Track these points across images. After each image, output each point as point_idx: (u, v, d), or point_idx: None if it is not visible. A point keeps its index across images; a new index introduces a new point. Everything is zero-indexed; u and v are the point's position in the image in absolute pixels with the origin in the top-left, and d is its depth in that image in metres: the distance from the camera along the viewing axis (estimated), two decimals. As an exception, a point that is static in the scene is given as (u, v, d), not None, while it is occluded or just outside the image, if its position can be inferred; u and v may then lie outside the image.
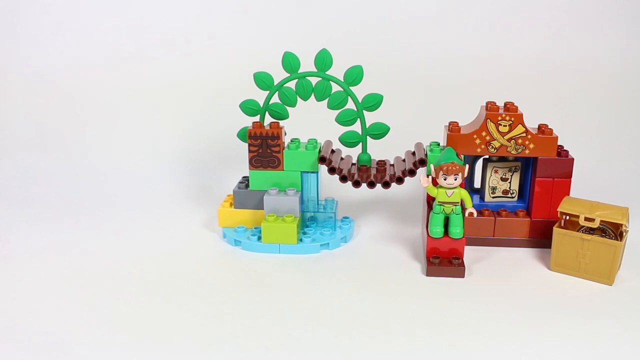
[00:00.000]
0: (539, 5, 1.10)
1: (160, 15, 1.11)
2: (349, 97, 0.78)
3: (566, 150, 0.76)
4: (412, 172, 0.76)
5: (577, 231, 0.70)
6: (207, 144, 1.09)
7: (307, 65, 0.77)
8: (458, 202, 0.70)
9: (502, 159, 0.79)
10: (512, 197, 0.81)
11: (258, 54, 1.03)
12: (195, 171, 1.06)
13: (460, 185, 0.70)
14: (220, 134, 1.06)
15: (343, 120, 0.79)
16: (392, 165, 0.81)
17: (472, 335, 0.58)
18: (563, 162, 0.75)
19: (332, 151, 0.82)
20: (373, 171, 0.79)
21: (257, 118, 0.80)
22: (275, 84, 0.78)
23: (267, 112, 0.79)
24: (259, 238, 0.78)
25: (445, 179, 0.69)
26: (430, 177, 0.71)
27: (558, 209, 0.70)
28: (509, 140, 0.74)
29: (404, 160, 0.81)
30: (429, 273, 0.70)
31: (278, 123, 0.79)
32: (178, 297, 0.65)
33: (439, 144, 0.79)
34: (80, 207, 0.93)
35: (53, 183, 1.02)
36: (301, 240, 0.77)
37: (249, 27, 1.11)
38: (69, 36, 1.11)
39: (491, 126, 0.74)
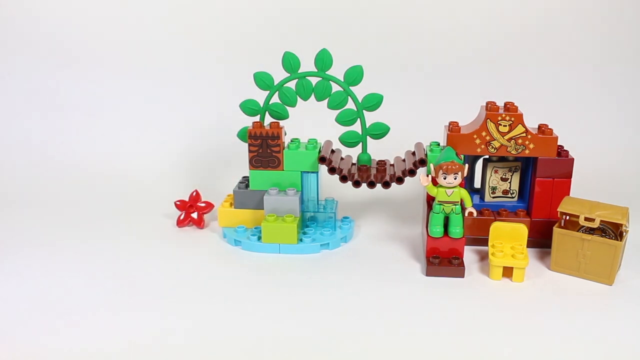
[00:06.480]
0: (539, 5, 1.10)
1: (160, 15, 1.11)
2: (349, 97, 0.78)
3: (566, 150, 0.76)
4: (412, 172, 0.76)
5: (577, 231, 0.70)
6: (207, 144, 1.09)
7: (307, 65, 0.77)
8: (458, 202, 0.70)
9: (502, 159, 0.79)
10: (512, 197, 0.81)
11: (258, 53, 1.03)
12: (195, 171, 1.06)
13: (460, 185, 0.70)
14: (220, 134, 1.06)
15: (343, 120, 0.79)
16: (392, 165, 0.81)
17: (472, 335, 0.58)
18: (563, 162, 0.75)
19: (332, 151, 0.82)
20: (373, 171, 0.79)
21: (257, 118, 0.80)
22: (275, 84, 0.78)
23: (267, 112, 0.80)
24: (259, 238, 0.78)
25: (444, 178, 0.69)
26: (430, 176, 0.71)
27: (558, 209, 0.70)
28: (509, 140, 0.74)
29: (404, 160, 0.81)
30: (428, 273, 0.70)
31: (278, 123, 0.79)
32: (178, 297, 0.65)
33: (439, 144, 0.79)
34: (80, 207, 0.93)
35: (54, 183, 1.02)
36: (301, 240, 0.77)
37: (249, 26, 1.11)
38: (71, 33, 1.11)
39: (491, 126, 0.74)
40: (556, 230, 0.70)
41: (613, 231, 0.69)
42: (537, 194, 0.76)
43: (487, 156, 0.79)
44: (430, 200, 0.75)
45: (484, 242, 0.74)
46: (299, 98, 0.78)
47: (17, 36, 1.10)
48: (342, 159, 0.82)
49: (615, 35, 1.10)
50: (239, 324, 0.60)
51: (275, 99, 0.79)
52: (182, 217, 0.85)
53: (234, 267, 0.73)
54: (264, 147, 0.78)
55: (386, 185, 0.76)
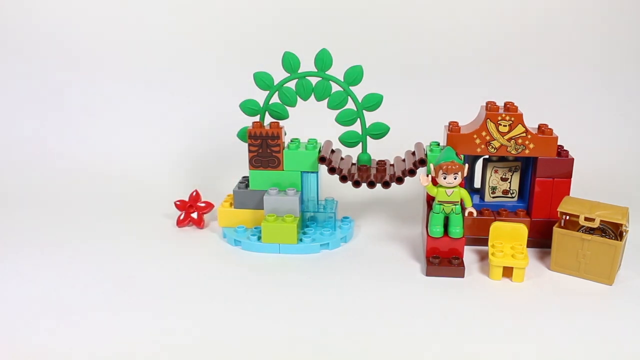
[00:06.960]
0: (539, 5, 1.10)
1: (160, 15, 1.11)
2: (349, 97, 0.78)
3: (566, 150, 0.76)
4: (412, 172, 0.76)
5: (577, 231, 0.70)
6: (207, 144, 1.09)
7: (307, 65, 0.77)
8: (457, 202, 0.70)
9: (502, 159, 0.79)
10: (512, 197, 0.81)
11: (258, 53, 1.03)
12: (195, 171, 1.06)
13: (460, 185, 0.70)
14: (220, 134, 1.05)
15: (343, 120, 0.79)
16: (392, 165, 0.81)
17: (472, 335, 0.58)
18: (563, 162, 0.75)
19: (332, 151, 0.82)
20: (373, 171, 0.79)
21: (257, 118, 0.80)
22: (275, 84, 0.78)
23: (267, 112, 0.80)
24: (259, 238, 0.78)
25: (444, 178, 0.69)
26: (430, 176, 0.71)
27: (558, 209, 0.70)
28: (509, 140, 0.74)
29: (404, 160, 0.81)
30: (428, 273, 0.70)
31: (278, 123, 0.79)
32: (178, 297, 0.65)
33: (439, 144, 0.79)
34: (80, 207, 0.93)
35: (54, 183, 1.02)
36: (301, 240, 0.77)
37: (249, 27, 1.11)
38: (71, 33, 1.11)
39: (491, 126, 0.74)
40: (556, 230, 0.70)
41: (613, 231, 0.69)
42: (537, 194, 0.76)
43: (487, 156, 0.79)
44: (430, 200, 0.75)
45: (484, 242, 0.74)
46: (299, 98, 0.78)
47: (17, 36, 1.10)
48: (342, 159, 0.82)
49: (615, 35, 1.10)
50: (239, 324, 0.60)
51: (275, 99, 0.79)
52: (182, 217, 0.85)
53: (234, 267, 0.73)
54: (264, 147, 0.78)
55: (386, 185, 0.76)
